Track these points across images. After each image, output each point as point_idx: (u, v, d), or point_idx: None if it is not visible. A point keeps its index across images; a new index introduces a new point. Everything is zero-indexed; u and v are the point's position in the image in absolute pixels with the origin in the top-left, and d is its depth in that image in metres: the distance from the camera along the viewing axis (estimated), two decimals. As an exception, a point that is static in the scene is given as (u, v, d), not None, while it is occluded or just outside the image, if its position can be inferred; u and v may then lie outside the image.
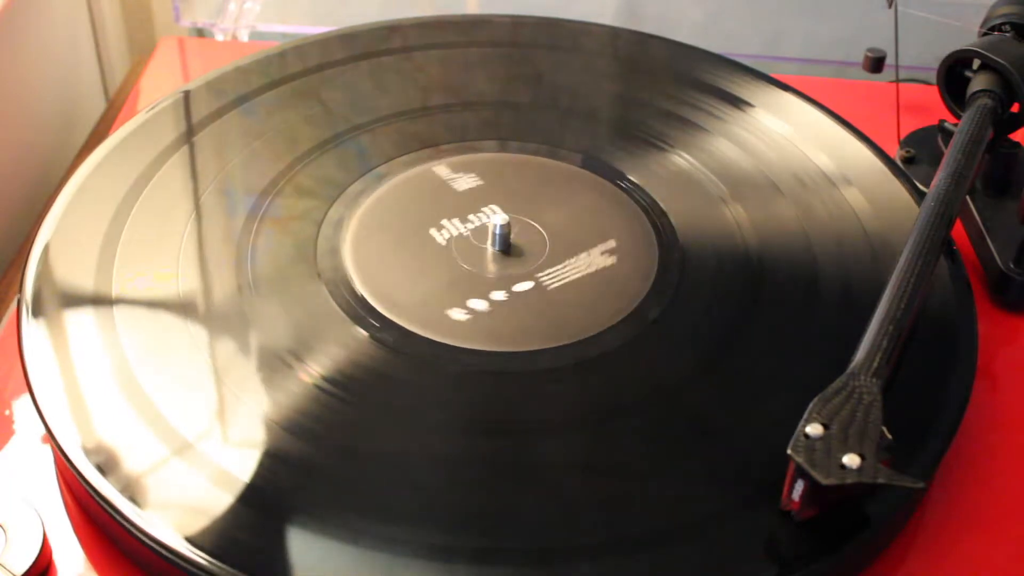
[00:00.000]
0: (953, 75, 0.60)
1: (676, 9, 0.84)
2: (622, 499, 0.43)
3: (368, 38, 0.66)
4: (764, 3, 0.84)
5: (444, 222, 0.54)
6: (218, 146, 0.58)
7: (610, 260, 0.53)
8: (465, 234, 0.54)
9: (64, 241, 0.52)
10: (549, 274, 0.52)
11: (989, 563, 0.46)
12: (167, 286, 0.50)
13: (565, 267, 0.53)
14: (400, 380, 0.47)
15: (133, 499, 0.42)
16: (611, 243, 0.54)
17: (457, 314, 0.50)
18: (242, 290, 0.51)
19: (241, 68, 0.63)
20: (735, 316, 0.51)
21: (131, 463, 0.43)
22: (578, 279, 0.52)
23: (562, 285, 0.52)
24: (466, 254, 0.53)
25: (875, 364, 0.44)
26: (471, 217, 0.55)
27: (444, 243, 0.53)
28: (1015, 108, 0.58)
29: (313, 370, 0.47)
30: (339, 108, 0.61)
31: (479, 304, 0.50)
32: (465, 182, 0.57)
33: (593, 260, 0.53)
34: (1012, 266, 0.56)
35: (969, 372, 0.49)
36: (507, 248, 0.53)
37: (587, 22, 0.69)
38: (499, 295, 0.51)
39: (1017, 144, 0.60)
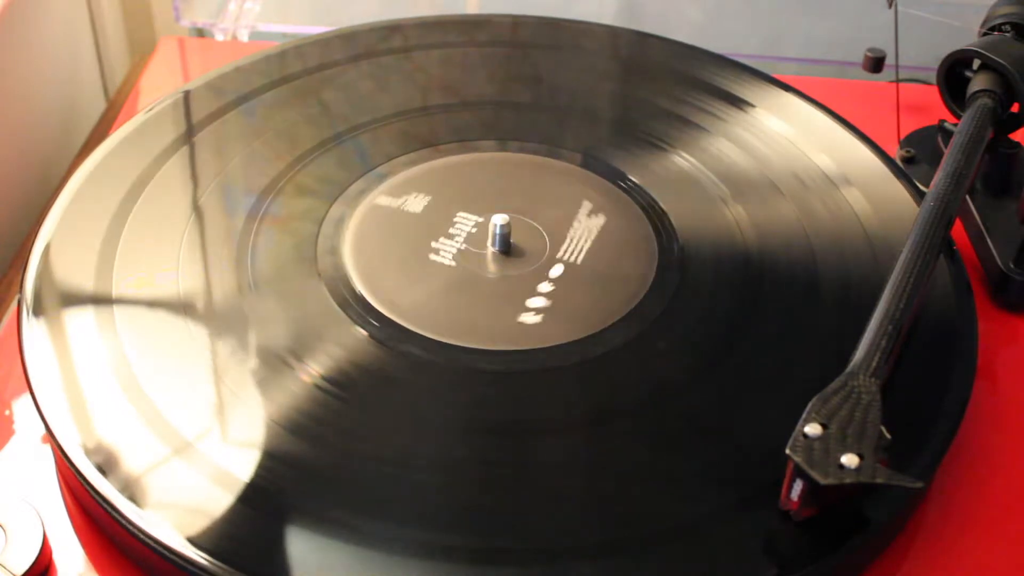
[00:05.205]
0: (953, 75, 0.60)
1: (676, 9, 0.84)
2: (622, 499, 0.43)
3: (368, 38, 0.66)
4: (764, 3, 0.84)
5: (434, 244, 0.54)
6: (218, 146, 0.58)
7: (600, 219, 0.53)
8: (463, 247, 0.53)
9: (64, 241, 0.52)
10: (568, 252, 0.53)
11: (989, 563, 0.45)
12: (167, 286, 0.50)
13: (573, 241, 0.53)
14: (400, 380, 0.47)
15: (133, 499, 0.42)
16: (588, 204, 0.55)
17: (529, 318, 0.50)
18: (242, 290, 0.51)
19: (241, 68, 0.63)
20: (735, 316, 0.51)
21: (131, 463, 0.43)
22: (591, 246, 0.53)
23: (584, 256, 0.52)
24: (479, 264, 0.53)
25: (874, 364, 0.44)
26: (452, 231, 0.54)
27: (452, 262, 0.53)
28: (1015, 108, 0.58)
29: (313, 370, 0.47)
30: (339, 108, 0.61)
31: (538, 301, 0.50)
32: (416, 203, 0.56)
33: (587, 225, 0.53)
34: (1012, 266, 0.56)
35: (969, 372, 0.49)
36: (507, 247, 0.53)
37: (587, 22, 0.69)
38: (545, 286, 0.51)
39: (1017, 144, 0.60)
